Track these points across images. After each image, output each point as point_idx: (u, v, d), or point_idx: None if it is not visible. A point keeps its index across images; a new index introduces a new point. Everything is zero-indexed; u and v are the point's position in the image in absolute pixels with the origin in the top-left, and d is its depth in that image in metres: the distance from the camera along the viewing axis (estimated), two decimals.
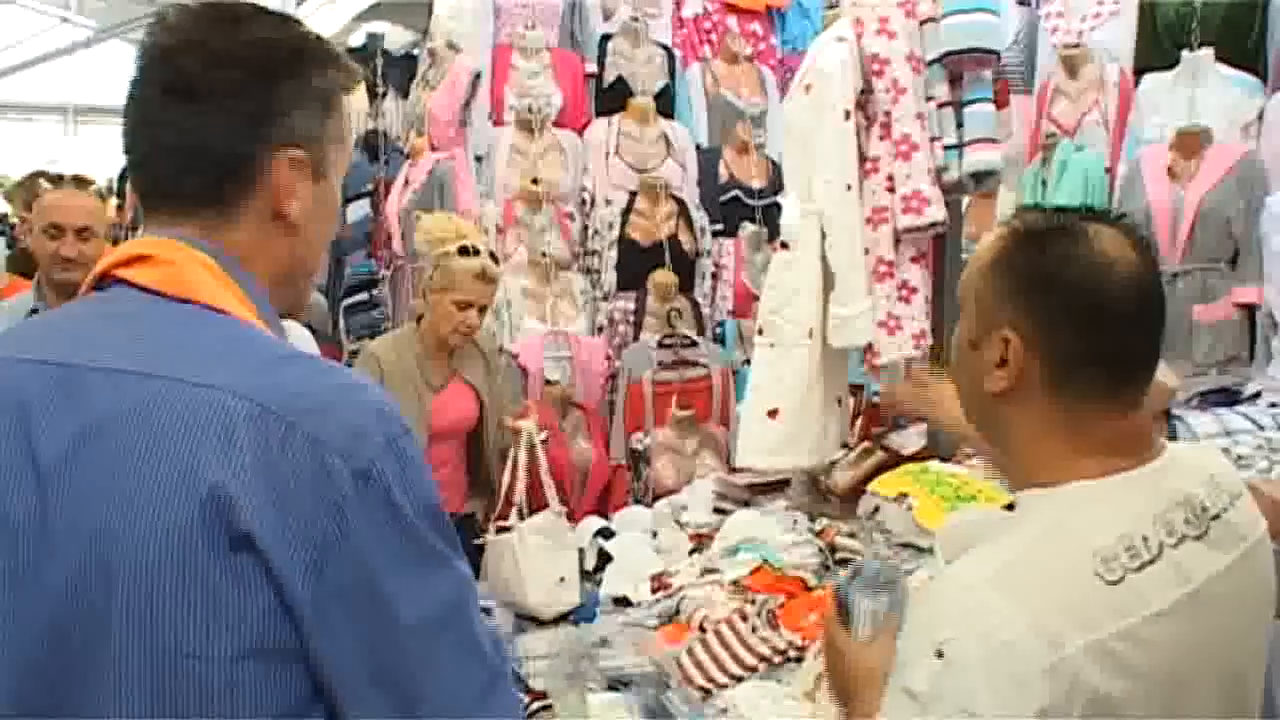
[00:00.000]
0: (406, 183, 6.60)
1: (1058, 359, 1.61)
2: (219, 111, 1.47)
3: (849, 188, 4.11)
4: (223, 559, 1.27)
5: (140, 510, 1.27)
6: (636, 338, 6.13)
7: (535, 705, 3.27)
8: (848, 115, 4.09)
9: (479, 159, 6.50)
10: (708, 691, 3.40)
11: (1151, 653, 1.50)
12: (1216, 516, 1.63)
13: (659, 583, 4.10)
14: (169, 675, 1.28)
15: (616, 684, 3.35)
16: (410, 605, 1.34)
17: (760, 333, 4.34)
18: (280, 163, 1.50)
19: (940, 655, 1.46)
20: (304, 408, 1.33)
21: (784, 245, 4.25)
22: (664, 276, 6.14)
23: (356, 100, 8.66)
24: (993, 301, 1.65)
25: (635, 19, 6.71)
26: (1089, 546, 1.52)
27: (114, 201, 14.35)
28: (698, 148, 6.73)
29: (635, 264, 6.22)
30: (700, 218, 6.42)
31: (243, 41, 1.50)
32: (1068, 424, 1.62)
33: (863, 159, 4.17)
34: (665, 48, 6.82)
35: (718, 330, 6.44)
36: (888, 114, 4.12)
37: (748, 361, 6.00)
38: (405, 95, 8.09)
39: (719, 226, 6.56)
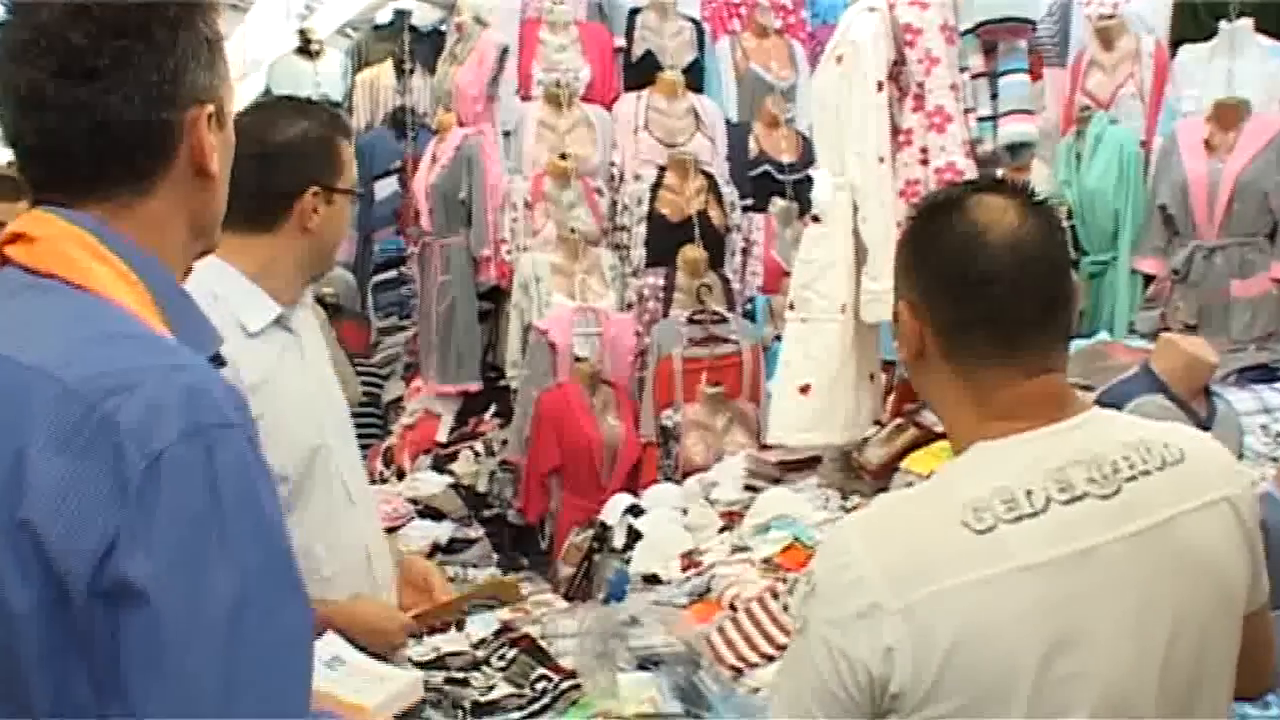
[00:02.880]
0: (434, 159, 6.55)
1: (942, 328, 1.63)
2: (122, 84, 1.42)
3: (881, 160, 4.06)
4: (10, 546, 1.25)
5: None
6: (666, 314, 6.09)
7: (565, 684, 3.25)
8: (880, 87, 4.04)
9: (507, 134, 6.46)
10: (738, 670, 3.38)
11: (1013, 604, 1.50)
12: (1133, 479, 1.59)
13: (689, 561, 4.08)
14: None
15: (647, 663, 3.32)
16: (183, 602, 1.26)
17: (791, 307, 4.30)
18: (195, 120, 1.47)
19: (809, 584, 1.58)
20: (107, 388, 1.28)
21: (815, 219, 4.21)
22: (693, 252, 6.09)
23: (382, 75, 8.65)
24: (899, 275, 1.70)
25: None
26: (960, 498, 1.54)
27: None
28: (727, 122, 6.67)
29: (664, 240, 6.17)
30: (730, 193, 6.37)
31: (126, 7, 1.43)
32: (970, 391, 1.63)
33: (895, 131, 4.13)
34: (694, 21, 6.77)
35: (748, 306, 6.40)
36: (920, 85, 4.07)
37: (778, 338, 5.96)
38: (433, 71, 8.05)
39: (749, 202, 6.51)
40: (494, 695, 3.28)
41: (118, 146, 1.44)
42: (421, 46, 8.45)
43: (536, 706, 3.23)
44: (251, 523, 1.30)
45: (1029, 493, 1.54)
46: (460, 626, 3.64)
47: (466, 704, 3.23)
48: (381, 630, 2.62)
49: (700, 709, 3.13)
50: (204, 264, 2.20)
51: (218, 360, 1.53)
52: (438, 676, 3.31)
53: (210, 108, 1.49)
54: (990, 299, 1.60)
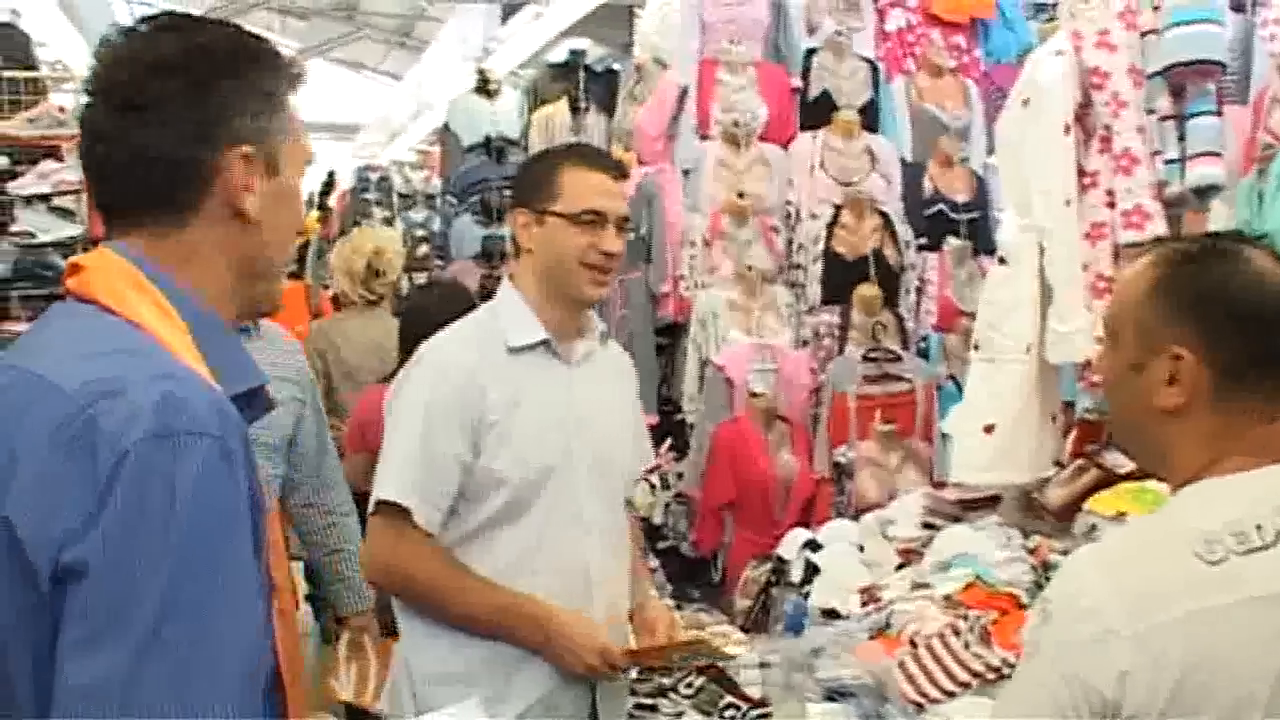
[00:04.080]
0: None
1: (1226, 368, 1.73)
2: (164, 120, 1.52)
3: (1067, 203, 4.07)
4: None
5: None
6: (841, 351, 6.11)
7: (753, 712, 3.31)
8: (1066, 129, 4.06)
9: (686, 173, 6.56)
10: (919, 705, 3.41)
11: (1245, 634, 1.58)
12: None
13: (868, 595, 4.11)
14: None
15: (835, 694, 3.38)
16: (115, 589, 1.32)
17: (976, 347, 4.32)
18: (232, 162, 1.55)
19: (1043, 611, 1.71)
20: (95, 393, 1.36)
21: (1001, 260, 4.24)
22: (869, 290, 6.12)
23: (557, 114, 8.82)
24: (1155, 324, 1.78)
25: (839, 33, 6.69)
26: (1193, 530, 1.65)
27: (314, 214, 14.83)
28: (902, 161, 6.69)
29: (840, 278, 6.20)
30: (905, 231, 6.39)
31: (179, 49, 1.54)
32: (1224, 431, 1.73)
33: (1081, 173, 4.13)
34: (869, 61, 6.80)
35: (922, 344, 6.39)
36: (1108, 128, 4.08)
37: (951, 376, 5.97)
38: (606, 110, 8.20)
39: (923, 240, 6.52)
40: None
41: (152, 177, 1.54)
42: (596, 85, 8.61)
43: None
44: (203, 528, 1.35)
45: (1259, 527, 1.63)
46: (669, 674, 3.68)
47: None
48: (577, 649, 2.72)
49: None
50: (503, 284, 2.77)
51: (252, 398, 1.60)
52: (629, 702, 3.40)
53: (249, 150, 1.56)
54: (1276, 337, 1.72)
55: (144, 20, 1.59)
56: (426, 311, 4.45)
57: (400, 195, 12.75)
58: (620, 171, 2.92)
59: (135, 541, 1.32)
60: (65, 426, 1.36)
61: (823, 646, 3.72)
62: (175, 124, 1.52)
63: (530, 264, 2.84)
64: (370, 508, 2.82)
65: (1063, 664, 1.63)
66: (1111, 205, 4.08)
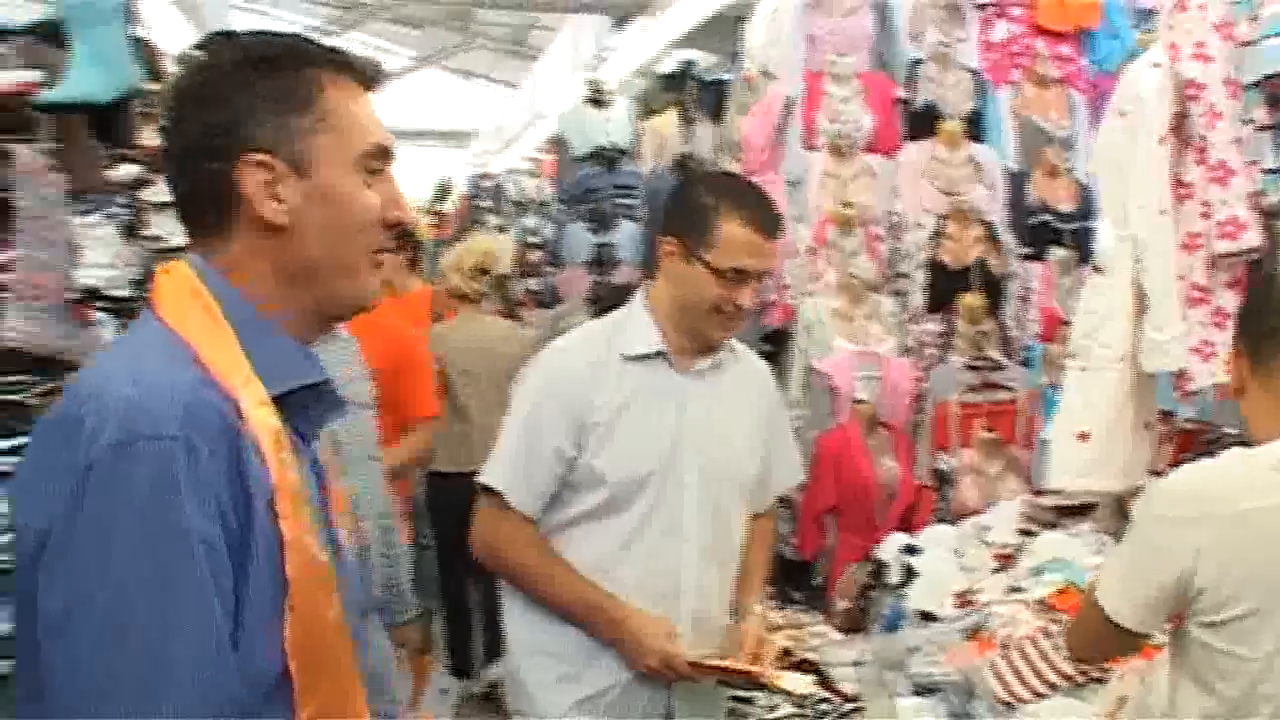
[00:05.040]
0: None
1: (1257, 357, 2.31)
2: (179, 141, 1.57)
3: (1163, 213, 4.11)
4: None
5: None
6: (944, 360, 6.17)
7: (846, 706, 3.41)
8: (1162, 140, 4.10)
9: (792, 183, 6.65)
10: (1009, 705, 3.48)
11: None
12: None
13: (963, 599, 4.19)
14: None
15: (924, 690, 3.46)
16: (65, 598, 1.37)
17: (1072, 356, 4.37)
18: (245, 171, 1.53)
19: (1146, 497, 2.35)
20: (84, 395, 1.42)
21: (1097, 269, 4.29)
22: (973, 299, 6.16)
23: (668, 124, 8.93)
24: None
25: (944, 43, 6.75)
26: (1270, 456, 2.20)
27: (426, 220, 15.08)
28: (1006, 171, 6.72)
29: (944, 287, 6.26)
30: (1008, 241, 6.42)
31: (195, 69, 1.59)
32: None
33: (1177, 183, 4.17)
34: (974, 71, 6.84)
35: (1025, 354, 6.41)
36: (1203, 138, 4.11)
37: (1054, 386, 5.98)
38: (715, 120, 8.29)
39: (1027, 250, 6.54)
40: (777, 715, 3.47)
41: (187, 195, 1.59)
42: (705, 95, 8.67)
43: None
44: (157, 536, 1.36)
45: None
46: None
47: None
48: (642, 650, 2.83)
49: None
50: (637, 296, 2.93)
51: (290, 395, 1.58)
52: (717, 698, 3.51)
53: (264, 158, 1.54)
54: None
55: (194, 45, 1.66)
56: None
57: (514, 202, 12.93)
58: (777, 231, 2.93)
59: (87, 557, 1.36)
60: (61, 423, 1.43)
61: (917, 646, 3.80)
62: (188, 142, 1.56)
63: (666, 289, 2.92)
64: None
65: (1155, 537, 2.21)
66: (1207, 216, 4.11)
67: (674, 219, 2.94)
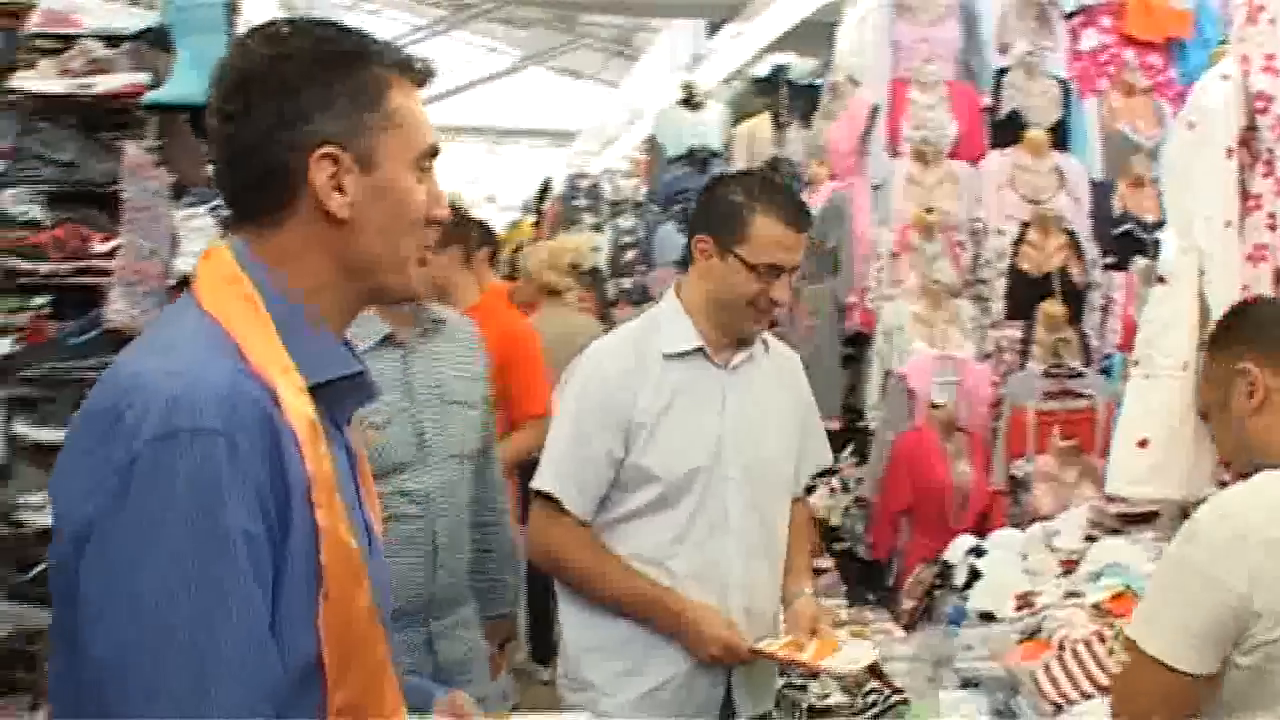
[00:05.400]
0: None
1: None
2: (246, 128, 1.57)
3: (1228, 224, 4.15)
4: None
5: None
6: (1023, 366, 6.20)
7: (894, 697, 3.51)
8: (1230, 153, 4.13)
9: (876, 188, 6.72)
10: (1059, 706, 3.54)
11: None
12: None
13: (1023, 601, 4.24)
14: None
15: (968, 683, 3.54)
16: (108, 590, 1.39)
17: (1135, 363, 4.41)
18: (315, 163, 1.57)
19: (1188, 534, 2.28)
20: (127, 385, 1.44)
21: (1161, 279, 4.33)
22: (1053, 307, 6.19)
23: (760, 127, 9.01)
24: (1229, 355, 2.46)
25: (1031, 53, 6.77)
26: None
27: (528, 219, 15.24)
28: (1091, 180, 6.75)
29: (1024, 294, 6.30)
30: (1090, 250, 6.44)
31: (264, 57, 1.59)
32: None
33: (1245, 196, 4.20)
34: (1061, 80, 6.84)
35: (1105, 363, 6.43)
36: (1271, 151, 4.14)
37: None
38: (807, 124, 8.37)
39: (1111, 259, 6.56)
40: (829, 702, 3.58)
41: (247, 181, 1.61)
42: (798, 100, 8.75)
43: (866, 716, 3.51)
44: (200, 530, 1.39)
45: None
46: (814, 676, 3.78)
47: (804, 706, 3.53)
48: (704, 640, 2.91)
49: None
50: (668, 294, 3.02)
51: (353, 387, 1.65)
52: (779, 682, 3.63)
53: (333, 150, 1.57)
54: None
55: (251, 31, 1.66)
56: None
57: (610, 202, 13.07)
58: (806, 223, 3.02)
59: (133, 550, 1.39)
60: (103, 416, 1.44)
61: (972, 645, 3.88)
62: (257, 130, 1.57)
63: (701, 286, 3.01)
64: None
65: (1207, 567, 2.16)
66: (1274, 228, 4.14)
67: (706, 217, 3.03)
